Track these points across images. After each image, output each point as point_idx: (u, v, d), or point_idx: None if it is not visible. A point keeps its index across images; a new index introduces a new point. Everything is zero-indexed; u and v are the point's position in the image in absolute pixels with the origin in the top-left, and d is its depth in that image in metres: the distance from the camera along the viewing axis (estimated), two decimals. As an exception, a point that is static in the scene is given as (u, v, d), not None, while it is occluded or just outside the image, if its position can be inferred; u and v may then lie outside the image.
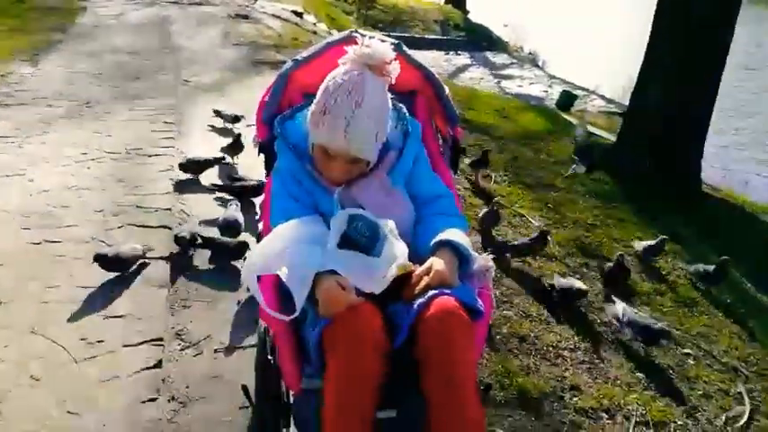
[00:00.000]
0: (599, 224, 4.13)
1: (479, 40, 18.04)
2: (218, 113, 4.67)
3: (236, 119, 4.59)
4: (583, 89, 12.08)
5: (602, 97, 11.74)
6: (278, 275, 1.34)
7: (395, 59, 1.49)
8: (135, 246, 2.75)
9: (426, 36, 17.34)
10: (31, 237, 2.94)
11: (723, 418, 2.38)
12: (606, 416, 2.33)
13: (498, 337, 2.68)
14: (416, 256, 1.44)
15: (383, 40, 1.56)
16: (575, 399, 2.39)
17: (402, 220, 1.50)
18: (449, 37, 17.72)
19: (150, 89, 5.60)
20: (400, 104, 1.65)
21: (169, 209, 3.36)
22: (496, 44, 18.24)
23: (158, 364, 2.20)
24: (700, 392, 2.55)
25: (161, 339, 2.33)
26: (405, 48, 1.71)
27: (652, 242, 3.64)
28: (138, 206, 3.36)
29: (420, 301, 1.34)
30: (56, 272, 2.69)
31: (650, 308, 3.15)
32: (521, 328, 2.76)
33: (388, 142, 1.56)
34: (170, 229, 3.10)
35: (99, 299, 2.54)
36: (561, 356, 2.65)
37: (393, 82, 1.51)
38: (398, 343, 1.33)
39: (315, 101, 1.49)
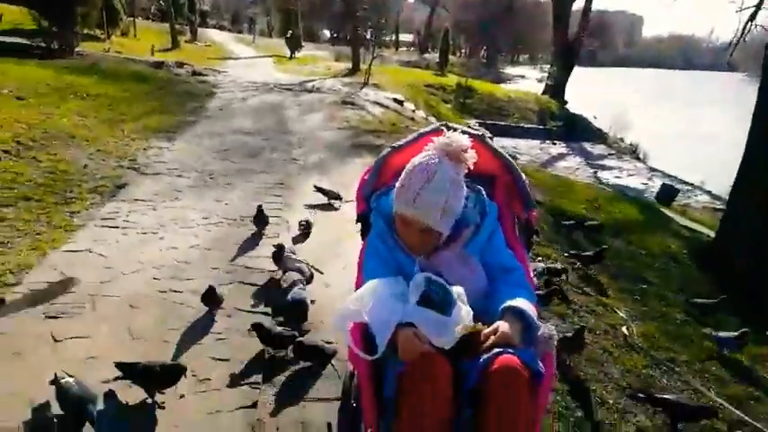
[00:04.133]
0: (690, 320, 4.03)
1: (577, 130, 18.00)
2: (319, 190, 5.18)
3: (337, 197, 5.11)
4: (687, 183, 11.74)
5: (709, 193, 11.33)
6: (365, 323, 1.60)
7: (471, 148, 1.76)
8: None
9: (522, 124, 17.59)
10: (160, 286, 3.42)
11: None
12: None
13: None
14: (489, 322, 1.64)
15: (471, 134, 1.85)
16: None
17: (476, 288, 1.72)
18: (545, 126, 17.86)
19: (264, 165, 6.31)
20: (479, 187, 1.90)
21: (273, 271, 3.76)
22: (595, 135, 18.13)
23: (254, 405, 2.48)
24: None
25: (258, 383, 2.62)
26: (488, 139, 2.00)
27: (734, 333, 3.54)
28: (247, 267, 3.79)
29: (485, 356, 1.54)
30: (176, 317, 3.11)
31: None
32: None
33: (464, 219, 1.80)
34: (277, 288, 3.46)
35: (209, 343, 2.90)
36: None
37: (470, 167, 1.77)
38: (468, 386, 1.53)
39: (399, 178, 1.79)
